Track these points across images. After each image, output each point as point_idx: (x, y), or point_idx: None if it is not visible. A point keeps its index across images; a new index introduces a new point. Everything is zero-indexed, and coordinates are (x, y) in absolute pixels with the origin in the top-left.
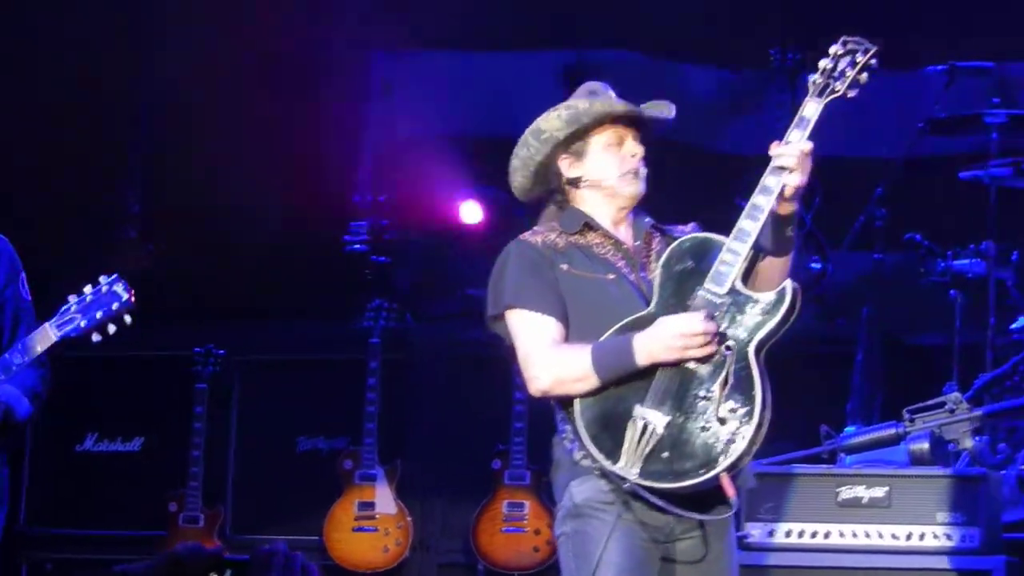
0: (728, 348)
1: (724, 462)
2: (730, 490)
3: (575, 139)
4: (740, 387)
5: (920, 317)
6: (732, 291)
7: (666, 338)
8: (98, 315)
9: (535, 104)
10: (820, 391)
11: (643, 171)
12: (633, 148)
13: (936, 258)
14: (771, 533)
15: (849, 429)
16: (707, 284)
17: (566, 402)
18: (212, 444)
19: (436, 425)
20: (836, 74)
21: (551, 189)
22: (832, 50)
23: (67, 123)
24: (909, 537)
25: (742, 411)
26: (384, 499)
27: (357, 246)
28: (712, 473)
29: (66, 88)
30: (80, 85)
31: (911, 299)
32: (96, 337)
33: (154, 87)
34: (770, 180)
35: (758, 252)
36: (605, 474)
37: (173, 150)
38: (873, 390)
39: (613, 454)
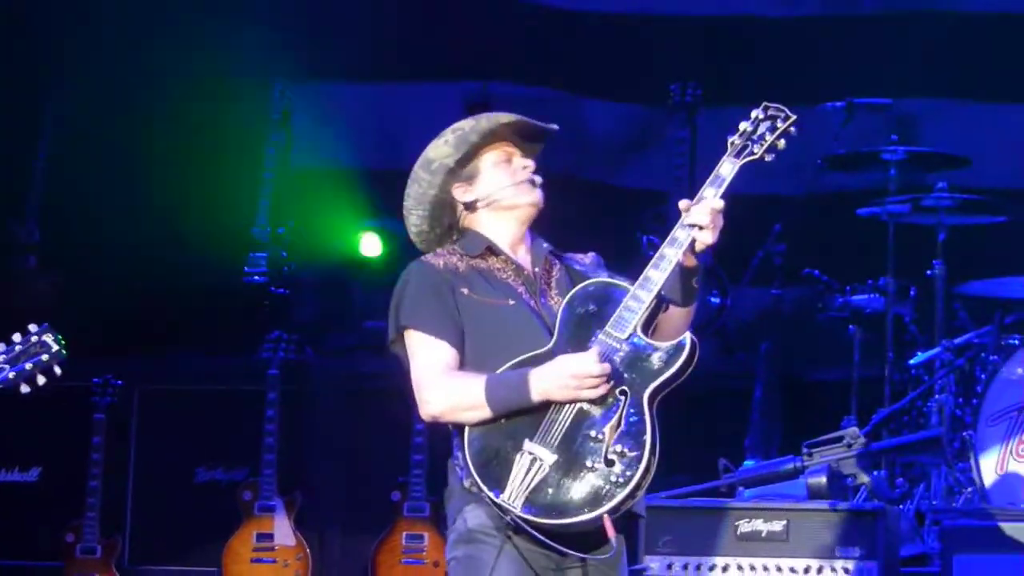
0: (623, 393)
1: (608, 504)
2: (611, 531)
3: (466, 162)
4: (631, 432)
5: (819, 352)
6: (632, 338)
7: (560, 377)
8: (28, 366)
9: (435, 135)
10: (719, 425)
11: (538, 179)
12: (523, 161)
13: (835, 294)
14: (670, 566)
15: (748, 463)
16: (608, 328)
17: (459, 429)
18: (110, 474)
19: (336, 457)
20: (755, 137)
21: (449, 225)
22: (753, 114)
23: None
24: (807, 571)
25: (631, 455)
26: (283, 530)
27: (256, 277)
28: (595, 514)
29: None
30: None
31: (810, 334)
32: (25, 388)
33: (53, 115)
34: (680, 233)
35: (661, 302)
36: (490, 503)
37: (72, 180)
38: (772, 425)
39: (498, 485)
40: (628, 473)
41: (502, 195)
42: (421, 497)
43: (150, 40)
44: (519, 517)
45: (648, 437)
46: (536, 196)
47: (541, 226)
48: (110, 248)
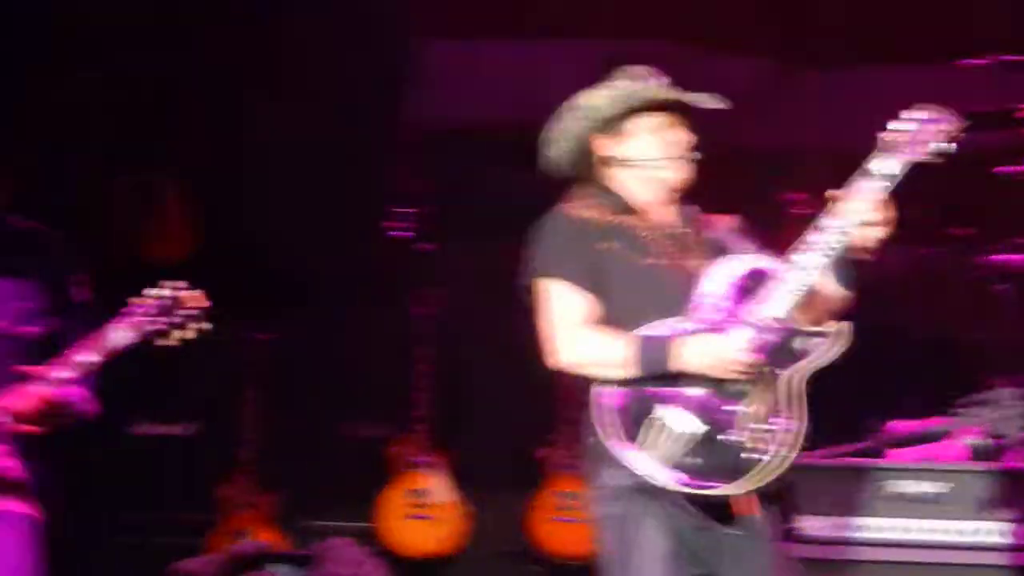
0: (775, 372)
1: (751, 481)
2: (750, 508)
3: (616, 119)
4: (779, 411)
5: (965, 312)
6: (787, 319)
7: (706, 355)
8: (171, 319)
9: (575, 93)
10: (867, 385)
11: (695, 155)
12: (677, 134)
13: (980, 253)
14: (823, 526)
15: (899, 423)
16: (762, 306)
17: (591, 384)
18: (265, 429)
19: (488, 413)
20: (915, 139)
21: (584, 166)
22: (914, 115)
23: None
24: (962, 532)
25: (779, 434)
26: (438, 487)
27: (403, 232)
28: (736, 489)
29: None
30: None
31: (955, 294)
32: (167, 341)
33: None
34: (841, 220)
35: (813, 289)
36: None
37: (221, 131)
38: (920, 385)
39: (629, 445)
40: (774, 451)
41: (647, 164)
42: (571, 454)
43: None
44: (649, 478)
45: (796, 419)
46: (683, 173)
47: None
48: (251, 203)
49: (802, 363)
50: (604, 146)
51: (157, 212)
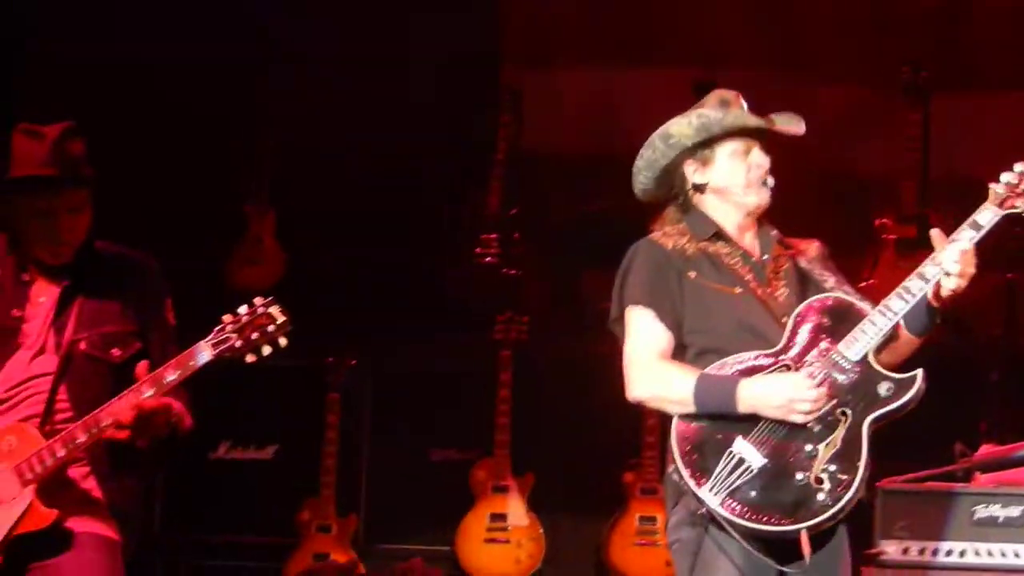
0: (843, 414)
1: (808, 521)
2: (807, 548)
3: (703, 146)
4: (845, 454)
5: None
6: (863, 362)
7: (773, 398)
8: (254, 336)
9: (661, 121)
10: (955, 409)
11: (770, 181)
12: (759, 158)
13: None
14: (905, 551)
15: (984, 448)
16: (840, 347)
17: (668, 416)
18: (345, 453)
19: (568, 437)
20: (1020, 191)
21: (674, 192)
22: (1018, 167)
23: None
24: None
25: (841, 478)
26: (516, 511)
27: (488, 259)
28: (795, 527)
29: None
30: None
31: None
32: (250, 358)
33: (281, 90)
34: (929, 270)
35: (894, 332)
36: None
37: (305, 159)
38: (1008, 409)
39: (702, 477)
40: (836, 494)
41: (732, 189)
42: (654, 478)
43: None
44: (716, 511)
45: (861, 463)
46: (763, 198)
47: (772, 211)
48: (346, 228)
49: (876, 409)
50: (691, 173)
51: (248, 239)
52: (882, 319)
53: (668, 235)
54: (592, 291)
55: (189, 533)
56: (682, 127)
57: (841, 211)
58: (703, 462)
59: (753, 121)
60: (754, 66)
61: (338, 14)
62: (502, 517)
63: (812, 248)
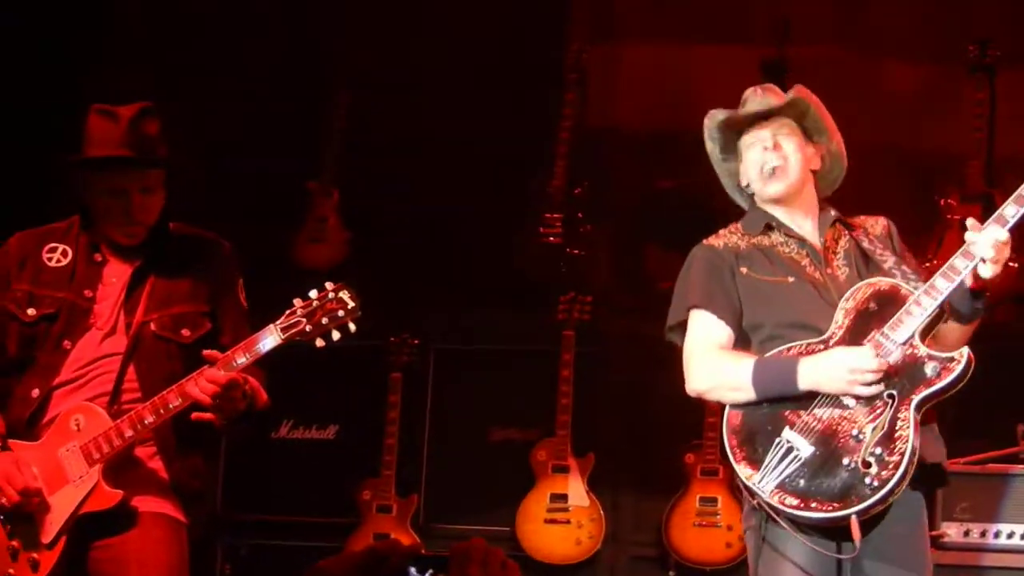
0: (890, 396)
1: (857, 505)
2: (856, 533)
3: (730, 152)
4: (893, 437)
5: None
6: (909, 343)
7: (834, 369)
8: (324, 321)
9: (731, 99)
10: (1018, 390)
11: (776, 165)
12: (756, 149)
13: None
14: (966, 533)
15: None
16: (886, 330)
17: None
18: (406, 433)
19: (629, 418)
20: None
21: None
22: None
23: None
24: None
25: (889, 460)
26: (577, 491)
27: (552, 238)
28: (844, 512)
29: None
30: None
31: None
32: (320, 343)
33: (350, 68)
34: (973, 250)
35: (943, 311)
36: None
37: (369, 138)
38: None
39: (752, 467)
40: (884, 477)
41: (752, 186)
42: (715, 459)
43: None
44: (766, 503)
45: (909, 445)
46: (771, 191)
47: (841, 191)
48: (405, 206)
49: (923, 390)
50: (743, 181)
51: (312, 218)
52: (928, 300)
53: (720, 236)
54: (656, 270)
55: (250, 513)
56: (708, 144)
57: (906, 190)
58: (753, 453)
59: (720, 114)
60: (821, 43)
61: None
62: (563, 497)
63: (877, 225)
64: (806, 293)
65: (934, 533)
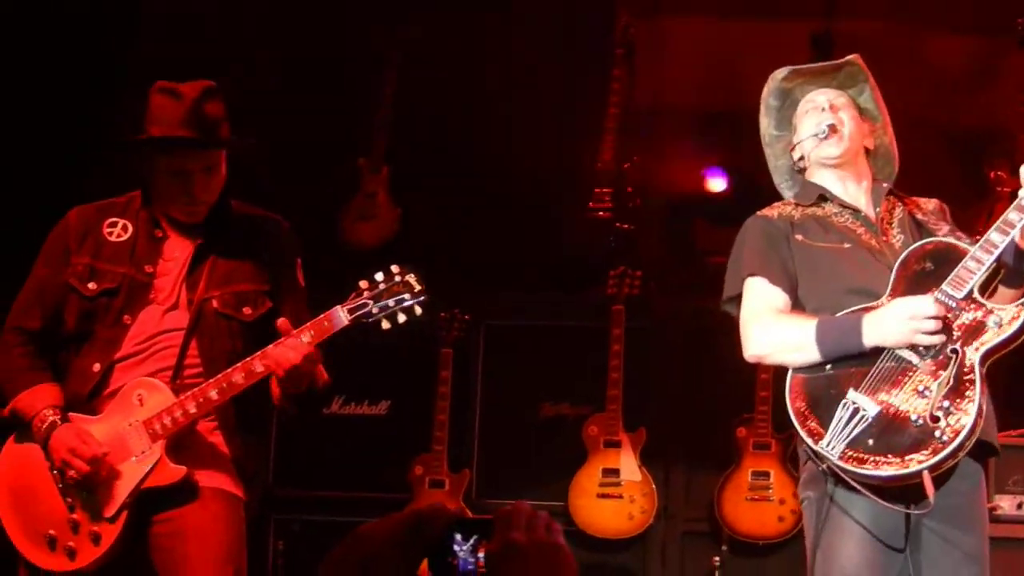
0: (953, 351)
1: (929, 459)
2: (930, 488)
3: (785, 124)
4: (959, 391)
5: None
6: (969, 297)
7: (898, 318)
8: (390, 303)
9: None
10: None
11: (835, 125)
12: (817, 100)
13: None
14: (1020, 506)
15: None
16: (945, 286)
17: (782, 372)
18: (457, 409)
19: (680, 393)
20: None
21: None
22: None
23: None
24: None
25: (957, 414)
26: (629, 466)
27: (601, 213)
28: (914, 468)
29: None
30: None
31: None
32: (385, 325)
33: (400, 49)
34: None
35: (1000, 268)
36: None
37: (416, 113)
38: None
39: (819, 432)
40: (952, 431)
41: (808, 150)
42: (767, 433)
43: None
44: (836, 466)
45: (976, 399)
46: (827, 151)
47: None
48: (454, 182)
49: (986, 343)
50: (795, 155)
51: (362, 194)
52: (983, 254)
53: (773, 207)
54: (706, 245)
55: (302, 489)
56: (762, 121)
57: (955, 164)
58: (819, 417)
59: (781, 71)
60: (869, 17)
61: None
62: (615, 472)
63: (930, 203)
64: (863, 258)
65: (987, 505)
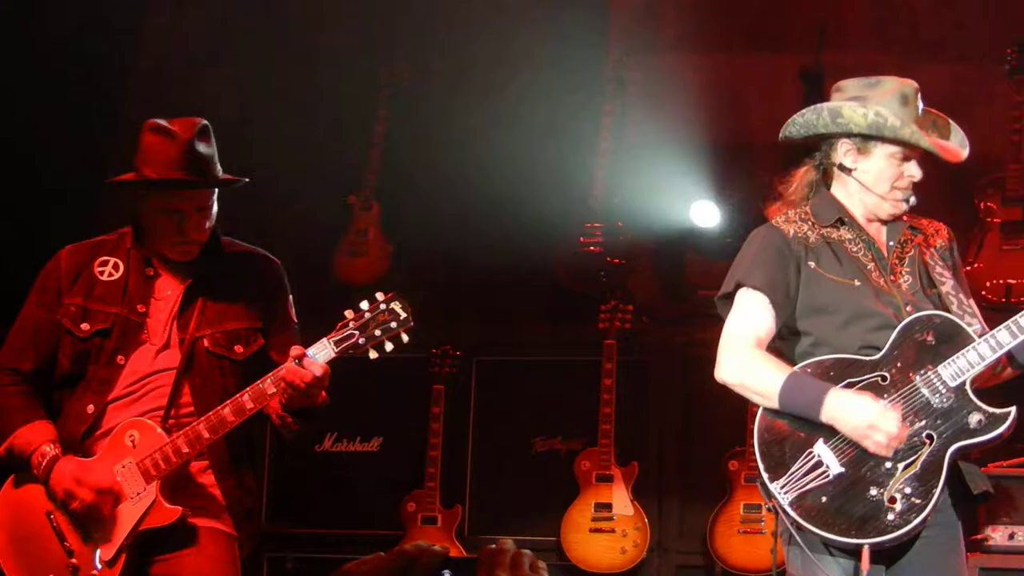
0: (928, 438)
1: (873, 538)
2: (865, 565)
3: (868, 136)
4: (923, 478)
5: None
6: (959, 389)
7: (859, 417)
8: (376, 333)
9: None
10: None
11: (913, 199)
12: (914, 171)
13: None
14: (1011, 536)
15: None
16: (940, 370)
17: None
18: (449, 444)
19: (672, 426)
20: None
21: (818, 158)
22: None
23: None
24: None
25: (914, 502)
26: (621, 500)
27: (592, 247)
28: (859, 541)
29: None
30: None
31: None
32: (373, 355)
33: (389, 90)
34: None
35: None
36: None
37: (406, 152)
38: None
39: (774, 470)
40: (905, 517)
41: (875, 190)
42: None
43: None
44: (782, 508)
45: (937, 491)
46: (898, 211)
47: None
48: (444, 219)
49: (963, 440)
50: (843, 152)
51: (352, 231)
52: (987, 350)
53: (790, 220)
54: (697, 279)
55: (295, 526)
56: (856, 115)
57: (944, 193)
58: (781, 458)
59: (925, 143)
60: (859, 46)
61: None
62: (607, 507)
63: (939, 236)
64: (869, 301)
65: (978, 537)
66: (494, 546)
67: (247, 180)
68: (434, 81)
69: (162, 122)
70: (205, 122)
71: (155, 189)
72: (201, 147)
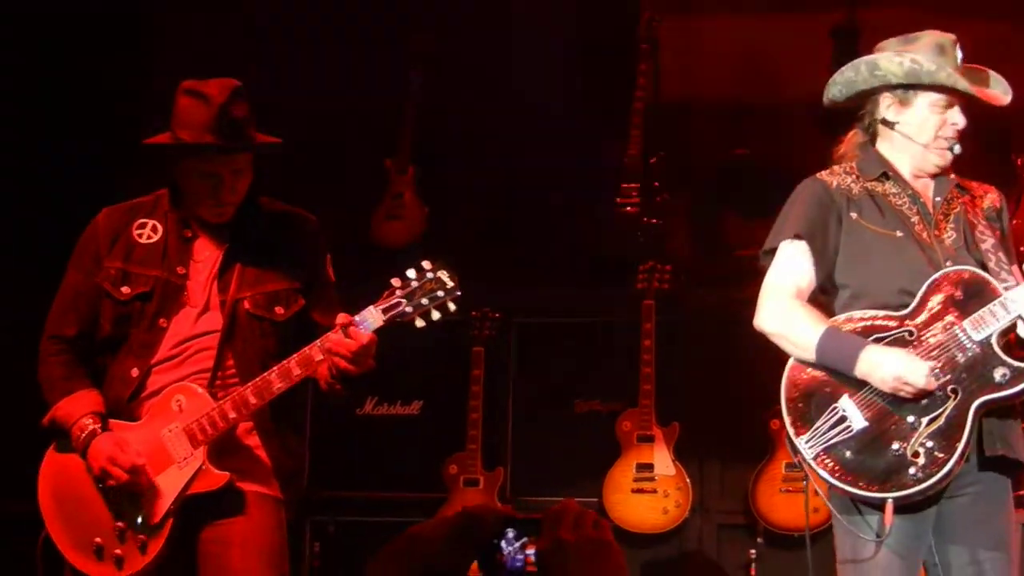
0: (953, 392)
1: (896, 492)
2: (889, 518)
3: (908, 87)
4: (946, 432)
5: None
6: (985, 343)
7: (890, 371)
8: (424, 301)
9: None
10: None
11: (958, 148)
12: (956, 118)
13: None
14: None
15: None
16: (966, 324)
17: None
18: (489, 407)
19: (712, 386)
20: None
21: (862, 115)
22: None
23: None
24: None
25: (938, 455)
26: (663, 461)
27: (628, 208)
28: (882, 496)
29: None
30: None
31: None
32: (420, 323)
33: (422, 51)
34: None
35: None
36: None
37: (448, 111)
38: None
39: (802, 426)
40: (928, 471)
41: (918, 141)
42: None
43: None
44: (807, 462)
45: (962, 445)
46: (944, 161)
47: None
48: (487, 182)
49: (987, 394)
50: (885, 107)
51: (389, 194)
52: (1014, 304)
53: (834, 173)
54: (734, 238)
55: (337, 489)
56: (892, 65)
57: (982, 149)
58: (807, 412)
59: (962, 85)
60: (894, 5)
61: None
62: (648, 467)
63: (987, 198)
64: (911, 252)
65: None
66: (558, 505)
67: (281, 143)
68: (469, 43)
69: (196, 85)
70: (239, 83)
71: (189, 152)
72: (235, 109)
